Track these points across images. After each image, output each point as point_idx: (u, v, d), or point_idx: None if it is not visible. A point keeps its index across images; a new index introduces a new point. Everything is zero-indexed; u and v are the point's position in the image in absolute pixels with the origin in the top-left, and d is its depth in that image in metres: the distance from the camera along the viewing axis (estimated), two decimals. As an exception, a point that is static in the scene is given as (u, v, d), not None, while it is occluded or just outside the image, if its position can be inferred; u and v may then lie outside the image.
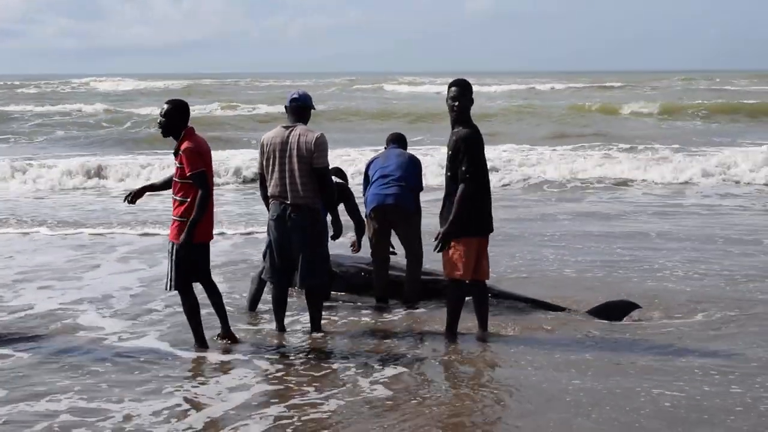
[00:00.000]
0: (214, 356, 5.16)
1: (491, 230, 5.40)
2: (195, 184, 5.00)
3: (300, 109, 5.49)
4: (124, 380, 4.74)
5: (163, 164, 14.58)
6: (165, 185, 5.39)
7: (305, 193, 5.33)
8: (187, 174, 5.00)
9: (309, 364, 5.04)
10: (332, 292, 6.54)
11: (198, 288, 5.28)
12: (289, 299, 5.76)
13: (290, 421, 4.17)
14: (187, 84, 52.62)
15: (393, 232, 6.43)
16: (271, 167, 5.40)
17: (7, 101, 34.82)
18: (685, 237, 9.01)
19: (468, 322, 5.61)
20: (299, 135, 5.34)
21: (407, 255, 6.37)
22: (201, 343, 5.28)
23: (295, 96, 5.54)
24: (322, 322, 5.69)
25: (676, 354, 5.12)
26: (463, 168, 5.16)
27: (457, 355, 5.22)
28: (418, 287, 6.36)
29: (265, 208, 5.63)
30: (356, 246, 6.47)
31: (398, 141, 6.67)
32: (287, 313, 5.76)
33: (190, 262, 5.11)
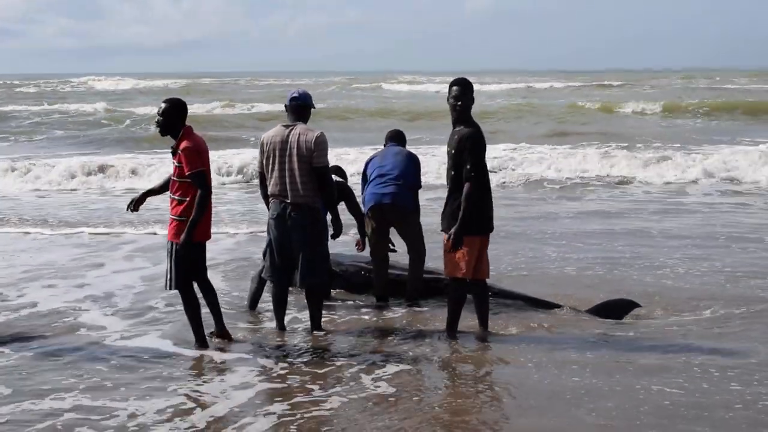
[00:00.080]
0: (216, 355, 5.17)
1: (492, 229, 5.41)
2: (194, 184, 5.00)
3: (300, 108, 5.49)
4: (128, 379, 4.75)
5: (164, 163, 14.59)
6: (164, 187, 5.38)
7: (305, 192, 5.33)
8: (186, 173, 5.00)
9: (310, 362, 5.05)
10: (332, 291, 6.54)
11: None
12: (289, 298, 5.76)
13: (293, 418, 4.18)
14: (186, 83, 52.60)
15: (394, 230, 6.44)
16: (271, 166, 5.40)
17: (7, 100, 34.80)
18: (687, 235, 9.02)
19: (469, 320, 5.62)
20: (299, 134, 5.34)
21: (409, 253, 6.37)
22: (201, 342, 5.29)
23: (295, 95, 5.54)
24: (323, 320, 5.70)
25: (675, 351, 5.13)
26: (468, 167, 5.17)
27: (458, 353, 5.23)
28: (420, 285, 6.37)
29: (266, 207, 5.64)
30: (361, 244, 6.47)
31: (397, 138, 6.66)
32: (287, 312, 5.77)
33: (190, 261, 5.12)
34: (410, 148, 6.75)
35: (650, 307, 6.15)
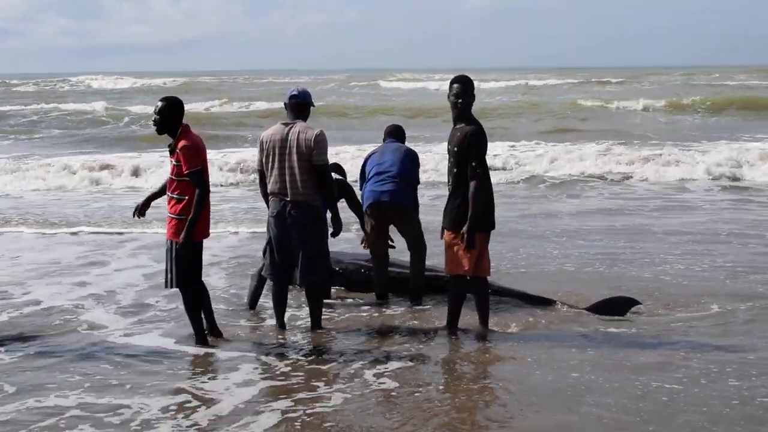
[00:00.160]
0: (218, 353, 5.18)
1: (493, 227, 5.39)
2: (192, 182, 4.99)
3: (299, 106, 5.48)
4: (131, 376, 4.76)
5: (165, 162, 14.57)
6: (165, 189, 5.37)
7: (305, 190, 5.32)
8: (185, 172, 4.99)
9: (312, 359, 5.05)
10: (332, 289, 6.53)
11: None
12: (288, 296, 5.75)
13: (297, 414, 4.19)
14: (185, 81, 52.54)
15: (394, 227, 6.42)
16: (270, 164, 5.39)
17: (6, 100, 34.79)
18: (687, 231, 9.02)
19: (468, 318, 5.62)
20: (299, 132, 5.33)
21: (410, 250, 6.36)
22: (202, 340, 5.29)
23: (295, 93, 5.52)
24: (323, 318, 5.69)
25: (674, 348, 5.14)
26: (473, 164, 5.17)
27: (459, 351, 5.23)
28: (422, 283, 6.35)
29: (266, 205, 5.62)
30: (366, 241, 6.45)
31: (396, 134, 6.62)
32: (287, 310, 5.76)
33: (190, 260, 5.11)
34: (409, 145, 6.73)
35: (650, 303, 6.15)
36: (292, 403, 4.33)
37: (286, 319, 5.70)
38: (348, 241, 8.02)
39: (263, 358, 5.09)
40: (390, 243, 6.47)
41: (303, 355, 5.13)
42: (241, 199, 12.03)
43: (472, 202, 5.16)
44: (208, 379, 4.74)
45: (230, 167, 14.29)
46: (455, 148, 5.27)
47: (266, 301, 6.08)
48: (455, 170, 5.29)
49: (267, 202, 5.55)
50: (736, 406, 4.21)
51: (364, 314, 6.09)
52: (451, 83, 5.37)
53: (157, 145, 18.01)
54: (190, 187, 5.01)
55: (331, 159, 5.88)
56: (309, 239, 5.38)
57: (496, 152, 15.24)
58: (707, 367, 4.77)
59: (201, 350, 5.20)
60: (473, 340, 5.40)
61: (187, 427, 4.06)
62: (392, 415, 4.17)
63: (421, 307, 6.21)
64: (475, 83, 5.57)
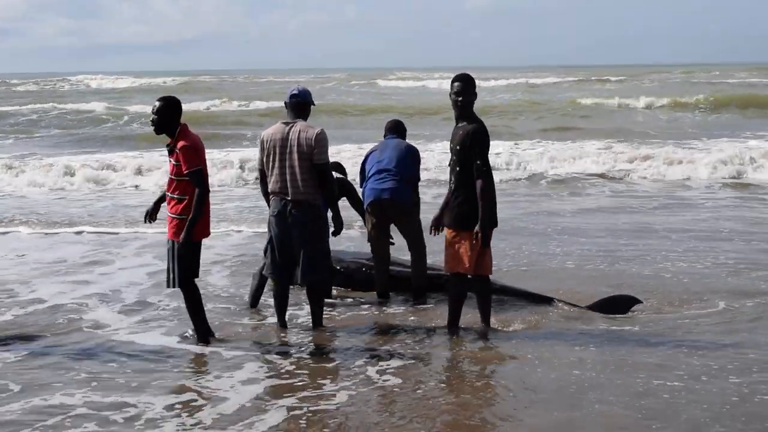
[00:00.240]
0: (221, 351, 5.18)
1: (495, 224, 5.38)
2: (192, 182, 4.98)
3: (300, 105, 5.47)
4: (136, 375, 4.77)
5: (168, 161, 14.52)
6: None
7: (306, 189, 5.32)
8: (185, 171, 4.99)
9: (315, 358, 5.06)
10: (333, 288, 6.52)
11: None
12: (289, 294, 5.75)
13: (302, 412, 4.20)
14: (185, 81, 52.54)
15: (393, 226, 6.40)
16: (271, 163, 5.39)
17: (7, 99, 34.78)
18: (690, 229, 9.02)
19: (470, 317, 5.61)
20: (299, 131, 5.32)
21: (410, 250, 6.34)
22: (203, 339, 5.29)
23: (295, 92, 5.51)
24: (324, 317, 5.68)
25: (675, 345, 5.15)
26: (478, 162, 5.16)
27: (461, 349, 5.23)
28: (424, 282, 6.34)
29: (266, 205, 5.61)
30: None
31: (396, 129, 6.59)
32: (288, 309, 5.75)
33: (190, 259, 5.11)
34: (409, 142, 6.70)
35: (652, 301, 6.15)
36: (297, 401, 4.34)
37: (287, 318, 5.69)
38: (351, 239, 8.02)
39: (266, 356, 5.10)
40: (390, 240, 6.45)
41: (306, 354, 5.14)
42: (245, 197, 12.02)
43: (482, 200, 5.15)
44: (213, 377, 4.74)
45: (233, 166, 14.27)
46: (457, 147, 5.26)
47: (268, 299, 6.07)
48: (458, 168, 5.28)
49: (268, 201, 5.54)
50: (735, 402, 4.22)
51: (366, 313, 6.09)
52: (452, 81, 5.36)
53: (157, 144, 18.00)
54: (191, 186, 5.01)
55: (332, 158, 5.87)
56: (310, 238, 5.37)
57: (497, 150, 15.22)
58: (707, 364, 4.78)
59: (205, 349, 5.21)
60: (475, 338, 5.39)
61: (191, 425, 4.07)
62: (396, 412, 4.18)
63: (422, 306, 6.20)
64: (477, 82, 5.56)
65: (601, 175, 13.90)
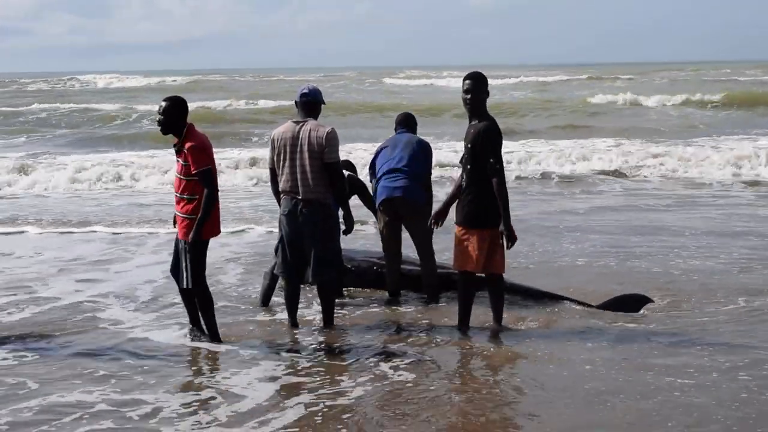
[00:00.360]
0: (237, 349, 5.19)
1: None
2: (201, 182, 4.99)
3: (310, 104, 5.48)
4: (153, 372, 4.79)
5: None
6: None
7: (316, 188, 5.32)
8: (193, 171, 4.99)
9: (328, 356, 5.08)
10: (344, 290, 6.52)
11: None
12: (301, 293, 5.76)
13: (318, 408, 4.23)
14: (195, 79, 52.70)
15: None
16: (281, 162, 5.39)
17: (18, 98, 35.01)
18: (703, 227, 8.98)
19: (481, 316, 5.61)
20: (310, 130, 5.33)
21: (418, 252, 6.32)
22: (215, 337, 5.31)
23: (305, 91, 5.51)
24: (335, 316, 5.69)
25: (686, 344, 5.14)
26: (492, 160, 5.15)
27: (472, 347, 5.23)
28: (435, 280, 6.32)
29: (277, 204, 5.62)
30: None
31: (406, 122, 6.55)
32: (299, 307, 5.76)
33: (201, 258, 5.13)
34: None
35: (664, 299, 6.13)
36: (315, 397, 4.37)
37: (298, 317, 5.69)
38: (366, 237, 8.02)
39: (281, 354, 5.12)
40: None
41: (319, 352, 5.16)
42: (259, 196, 12.02)
43: (500, 198, 5.15)
44: (231, 374, 4.76)
45: (246, 164, 14.30)
46: (469, 145, 5.27)
47: (279, 298, 6.08)
48: (468, 167, 5.28)
49: (278, 200, 5.55)
50: (744, 399, 4.23)
51: (377, 311, 6.10)
52: (463, 80, 5.36)
53: (170, 144, 18.07)
54: (200, 186, 5.02)
55: (342, 157, 5.86)
56: (321, 237, 5.38)
57: (508, 149, 15.17)
58: (718, 361, 4.78)
59: (221, 347, 5.23)
60: (486, 337, 5.39)
61: (207, 423, 4.08)
62: (409, 409, 4.19)
63: (433, 304, 6.20)
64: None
65: (613, 173, 13.85)
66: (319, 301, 5.69)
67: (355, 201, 6.21)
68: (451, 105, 24.24)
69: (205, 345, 5.27)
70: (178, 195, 5.13)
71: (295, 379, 4.68)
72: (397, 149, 6.32)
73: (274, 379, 4.70)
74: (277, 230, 5.68)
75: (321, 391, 4.46)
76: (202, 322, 5.34)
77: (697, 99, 27.39)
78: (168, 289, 6.68)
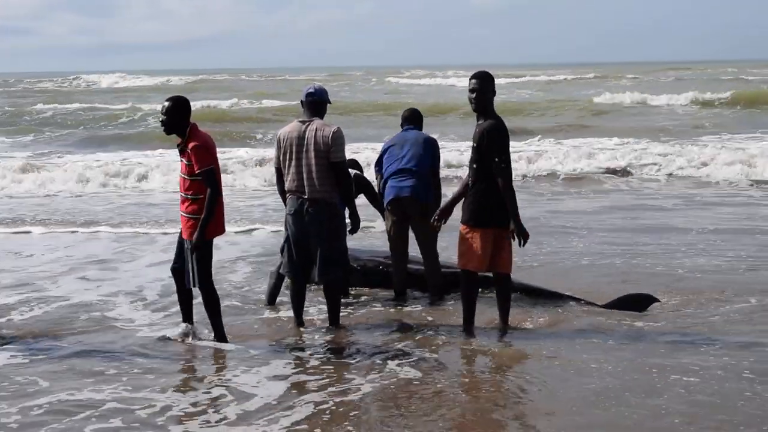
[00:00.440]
0: (246, 348, 5.21)
1: (509, 221, 5.36)
2: (204, 182, 5.01)
3: (316, 103, 5.49)
4: (163, 371, 4.82)
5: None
6: None
7: (322, 188, 5.34)
8: (197, 171, 5.00)
9: (334, 354, 5.10)
10: (350, 287, 6.53)
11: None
12: (307, 293, 5.78)
13: (327, 406, 4.26)
14: (200, 79, 52.77)
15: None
16: (287, 162, 5.41)
17: (23, 97, 35.13)
18: (711, 226, 8.95)
19: (488, 314, 5.62)
20: (316, 129, 5.34)
21: (422, 253, 6.33)
22: (221, 337, 5.32)
23: (311, 90, 5.53)
24: (341, 315, 5.70)
25: (691, 342, 5.15)
26: (497, 159, 5.16)
27: (477, 346, 5.24)
28: (440, 280, 6.33)
29: (283, 203, 5.63)
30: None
31: (412, 119, 6.52)
32: (306, 306, 5.79)
33: (207, 258, 5.15)
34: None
35: (670, 298, 6.12)
36: (326, 396, 4.39)
37: (304, 317, 5.72)
38: (375, 236, 8.04)
39: (288, 353, 5.14)
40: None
41: (326, 351, 5.18)
42: (267, 195, 12.04)
43: (507, 197, 5.16)
44: (241, 372, 4.79)
45: (253, 164, 14.30)
46: (474, 144, 5.28)
47: (285, 297, 6.10)
48: (474, 165, 5.30)
49: (284, 199, 5.57)
50: (749, 398, 4.24)
51: (383, 311, 6.11)
52: (470, 79, 5.37)
53: (175, 143, 18.10)
54: (204, 186, 5.03)
55: (348, 156, 5.87)
56: (327, 236, 5.39)
57: (514, 148, 15.16)
58: (722, 359, 4.79)
59: (229, 346, 5.24)
60: (492, 336, 5.40)
61: (216, 422, 4.11)
62: (416, 407, 4.21)
63: (439, 304, 6.21)
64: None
65: (620, 172, 13.81)
66: (325, 300, 5.71)
67: (361, 200, 6.22)
68: (457, 104, 24.23)
69: (215, 344, 5.28)
70: (182, 195, 5.16)
71: (303, 378, 4.71)
72: (405, 148, 6.31)
73: (282, 377, 4.72)
74: (283, 230, 5.70)
75: (329, 389, 4.49)
76: (210, 324, 5.34)
77: (707, 98, 27.24)
78: (173, 288, 6.74)
